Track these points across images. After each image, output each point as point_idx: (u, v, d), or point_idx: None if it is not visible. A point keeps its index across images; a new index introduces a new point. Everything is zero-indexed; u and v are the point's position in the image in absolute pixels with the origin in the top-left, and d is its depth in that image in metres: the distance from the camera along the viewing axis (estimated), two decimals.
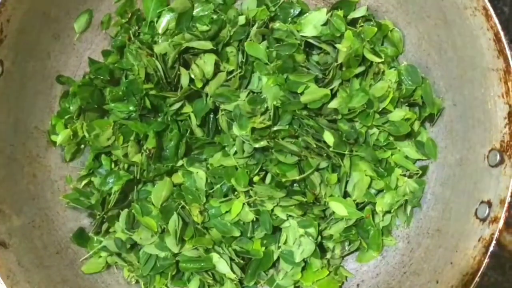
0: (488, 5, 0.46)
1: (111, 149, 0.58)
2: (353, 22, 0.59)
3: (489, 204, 0.47)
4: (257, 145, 0.55)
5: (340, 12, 0.57)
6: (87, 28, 0.59)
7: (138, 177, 0.57)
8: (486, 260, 0.45)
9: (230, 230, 0.56)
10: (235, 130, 0.56)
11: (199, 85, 0.57)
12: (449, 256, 0.51)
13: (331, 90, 0.57)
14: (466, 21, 0.49)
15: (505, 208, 0.44)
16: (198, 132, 0.59)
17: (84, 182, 0.60)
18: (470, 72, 0.51)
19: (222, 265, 0.56)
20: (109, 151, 0.59)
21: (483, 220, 0.47)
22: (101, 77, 0.59)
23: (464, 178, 0.53)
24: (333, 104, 0.56)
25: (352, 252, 0.59)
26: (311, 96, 0.56)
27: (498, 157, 0.47)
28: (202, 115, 0.57)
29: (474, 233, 0.48)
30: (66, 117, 0.59)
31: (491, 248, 0.44)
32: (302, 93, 0.57)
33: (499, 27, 0.45)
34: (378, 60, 0.57)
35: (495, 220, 0.45)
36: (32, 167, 0.58)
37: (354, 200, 0.56)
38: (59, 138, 0.58)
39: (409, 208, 0.58)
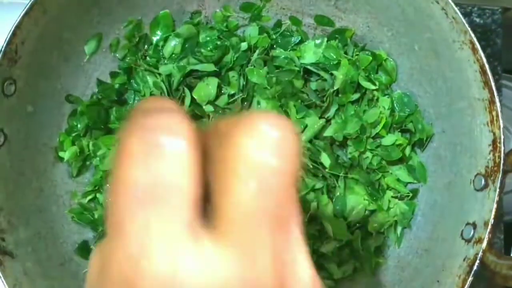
0: (475, 40, 0.49)
1: None
2: (348, 52, 0.62)
3: (474, 225, 0.49)
4: None
5: (336, 42, 0.61)
6: (97, 51, 0.62)
7: None
8: (470, 278, 0.47)
9: None
10: None
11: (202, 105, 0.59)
12: (436, 274, 0.53)
13: (327, 117, 0.60)
14: (454, 54, 0.52)
15: (488, 230, 0.47)
16: None
17: (89, 197, 0.62)
18: (458, 101, 0.54)
19: None
20: None
21: (468, 240, 0.50)
22: (108, 97, 0.61)
23: (452, 201, 0.55)
24: (329, 132, 0.59)
25: (345, 272, 0.61)
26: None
27: (483, 181, 0.50)
28: None
29: (459, 253, 0.50)
30: (74, 134, 0.61)
31: (475, 267, 0.47)
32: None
33: (484, 60, 0.48)
34: (372, 87, 0.60)
35: (479, 241, 0.48)
36: (40, 182, 0.60)
37: (346, 219, 0.59)
38: (66, 154, 0.60)
39: (399, 228, 0.60)
